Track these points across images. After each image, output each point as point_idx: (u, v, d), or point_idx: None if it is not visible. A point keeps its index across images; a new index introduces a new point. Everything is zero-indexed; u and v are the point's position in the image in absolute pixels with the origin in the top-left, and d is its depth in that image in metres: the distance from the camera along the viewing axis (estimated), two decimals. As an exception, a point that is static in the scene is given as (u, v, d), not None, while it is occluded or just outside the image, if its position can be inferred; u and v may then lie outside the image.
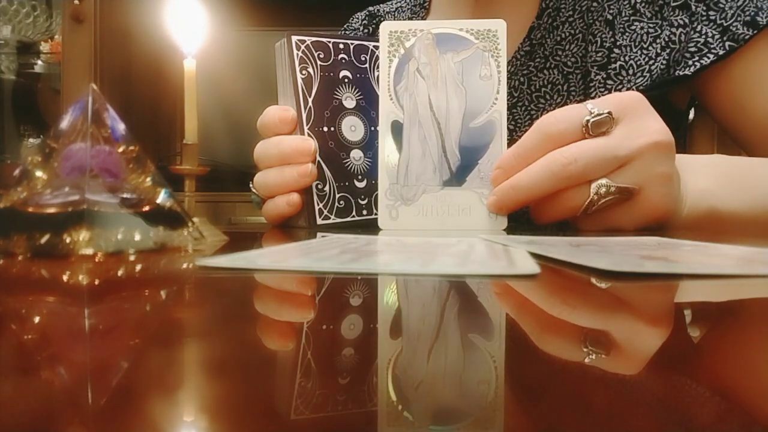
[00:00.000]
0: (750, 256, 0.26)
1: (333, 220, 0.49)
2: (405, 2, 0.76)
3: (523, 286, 0.20)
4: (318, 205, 0.49)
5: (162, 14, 0.42)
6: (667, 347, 0.13)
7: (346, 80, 0.52)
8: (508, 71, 0.61)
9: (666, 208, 0.43)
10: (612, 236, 0.37)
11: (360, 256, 0.26)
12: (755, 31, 0.51)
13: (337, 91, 0.51)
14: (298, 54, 0.50)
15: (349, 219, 0.50)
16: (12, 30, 1.71)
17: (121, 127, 0.32)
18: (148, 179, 0.32)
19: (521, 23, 0.60)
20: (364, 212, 0.51)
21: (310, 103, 0.50)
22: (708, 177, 0.46)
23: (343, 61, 0.52)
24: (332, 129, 0.50)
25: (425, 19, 0.72)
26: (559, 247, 0.29)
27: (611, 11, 0.56)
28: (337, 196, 0.50)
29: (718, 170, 0.47)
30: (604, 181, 0.41)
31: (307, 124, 0.49)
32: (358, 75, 0.52)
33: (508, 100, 0.61)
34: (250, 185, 0.53)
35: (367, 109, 0.52)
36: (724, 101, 0.56)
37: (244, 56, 1.60)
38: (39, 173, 0.30)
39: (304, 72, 0.50)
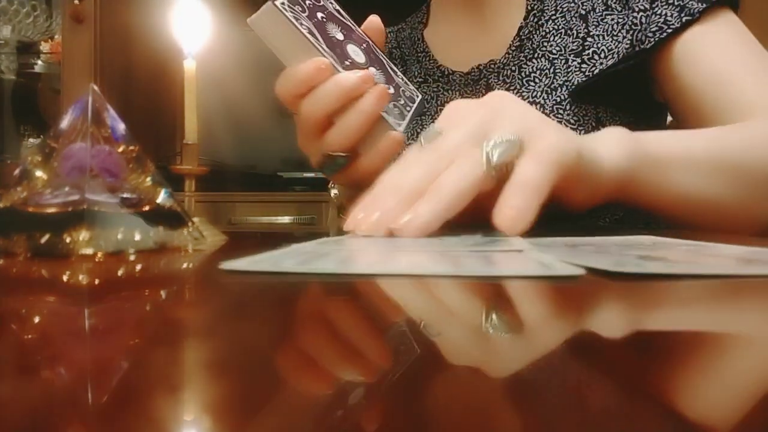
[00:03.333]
0: (749, 256, 0.26)
1: (405, 123, 0.51)
2: (405, 23, 0.80)
3: (567, 290, 0.20)
4: (389, 117, 0.50)
5: (162, 14, 0.43)
6: (668, 348, 0.13)
7: (324, 20, 0.53)
8: (501, 64, 0.66)
9: (565, 141, 0.38)
10: (606, 237, 0.37)
11: (386, 259, 0.26)
12: (707, 5, 0.56)
13: (330, 30, 0.52)
14: (289, 13, 0.49)
15: (407, 121, 0.52)
16: (12, 30, 1.71)
17: (121, 127, 0.32)
18: (148, 179, 0.32)
19: (511, 24, 0.68)
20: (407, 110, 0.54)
21: (325, 48, 0.49)
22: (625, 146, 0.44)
23: (316, 3, 0.53)
24: (348, 62, 0.52)
25: (424, 31, 0.75)
26: (555, 248, 0.29)
27: (585, 7, 0.64)
28: (390, 104, 0.52)
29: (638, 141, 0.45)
30: (490, 141, 0.36)
31: (340, 65, 0.49)
32: (328, 12, 0.54)
33: (500, 87, 0.66)
34: (323, 162, 0.51)
35: (350, 34, 0.54)
36: (678, 73, 0.58)
37: (245, 56, 1.59)
38: (39, 173, 0.30)
39: (303, 25, 0.49)
